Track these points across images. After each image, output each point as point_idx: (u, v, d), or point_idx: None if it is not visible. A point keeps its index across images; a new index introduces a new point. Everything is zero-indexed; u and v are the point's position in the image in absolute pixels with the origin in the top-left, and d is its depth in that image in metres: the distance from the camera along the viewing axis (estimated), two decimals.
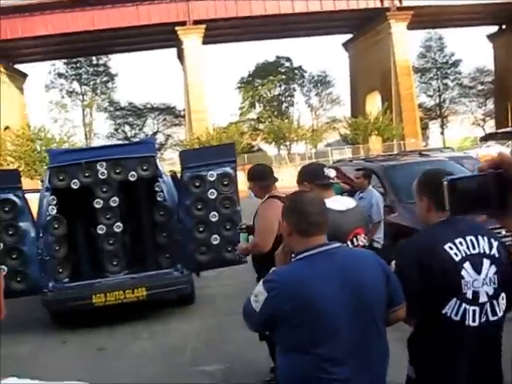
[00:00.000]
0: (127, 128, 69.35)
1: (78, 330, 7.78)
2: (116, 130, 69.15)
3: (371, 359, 2.32)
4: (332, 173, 3.91)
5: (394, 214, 8.71)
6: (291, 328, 2.26)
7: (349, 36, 59.42)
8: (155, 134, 63.85)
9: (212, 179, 7.51)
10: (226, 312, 7.84)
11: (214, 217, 7.51)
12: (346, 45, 60.47)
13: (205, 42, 50.86)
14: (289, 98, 69.47)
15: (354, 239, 3.56)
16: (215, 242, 7.51)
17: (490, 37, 59.99)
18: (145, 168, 7.89)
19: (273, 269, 2.60)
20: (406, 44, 50.63)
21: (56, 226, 7.75)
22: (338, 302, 2.25)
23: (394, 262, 2.75)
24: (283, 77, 67.41)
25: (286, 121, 57.02)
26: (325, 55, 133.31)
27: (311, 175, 3.82)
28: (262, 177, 5.12)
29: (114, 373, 6.00)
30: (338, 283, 2.27)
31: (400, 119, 48.58)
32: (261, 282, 2.34)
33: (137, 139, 59.15)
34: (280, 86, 68.19)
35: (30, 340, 7.42)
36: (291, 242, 2.46)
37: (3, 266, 7.19)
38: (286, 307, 2.23)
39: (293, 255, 2.53)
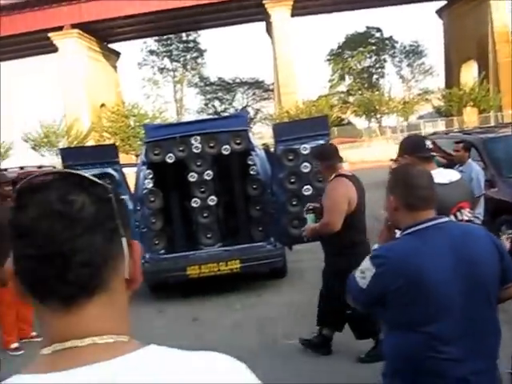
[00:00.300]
0: (217, 103, 70.29)
1: (173, 300, 7.98)
2: (206, 105, 70.24)
3: (484, 339, 2.20)
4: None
5: (494, 188, 8.33)
6: (400, 305, 2.17)
7: (443, 3, 56.99)
8: (244, 108, 64.25)
9: (305, 152, 7.43)
10: (317, 286, 7.73)
11: (307, 190, 7.45)
12: (439, 12, 58.07)
13: (293, 15, 50.35)
14: (379, 70, 67.79)
15: (458, 213, 3.42)
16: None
17: None
18: (238, 142, 7.94)
19: (375, 245, 2.52)
20: (506, 9, 47.95)
21: (152, 199, 7.95)
22: (451, 279, 2.14)
23: (504, 237, 2.61)
24: (373, 48, 65.77)
25: (377, 93, 55.62)
26: (417, 24, 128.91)
27: (412, 148, 3.69)
28: (326, 157, 5.11)
29: (208, 343, 6.10)
30: (450, 258, 2.16)
31: (498, 89, 46.22)
32: (368, 257, 2.26)
33: (227, 114, 59.79)
34: (370, 57, 66.60)
35: (131, 308, 7.69)
36: (397, 216, 2.36)
37: None
38: (396, 284, 2.15)
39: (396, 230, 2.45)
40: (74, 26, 50.08)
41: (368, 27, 66.23)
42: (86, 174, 0.90)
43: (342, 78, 66.78)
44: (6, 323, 6.68)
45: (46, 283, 0.83)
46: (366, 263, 2.23)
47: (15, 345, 6.65)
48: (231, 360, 0.89)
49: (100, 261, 0.85)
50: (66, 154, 8.18)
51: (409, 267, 2.15)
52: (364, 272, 2.22)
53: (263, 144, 10.26)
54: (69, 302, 0.84)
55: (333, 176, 5.00)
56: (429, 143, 3.74)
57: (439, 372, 2.15)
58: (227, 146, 7.92)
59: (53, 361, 0.83)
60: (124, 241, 0.89)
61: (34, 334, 6.98)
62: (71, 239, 0.82)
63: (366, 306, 2.40)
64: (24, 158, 37.91)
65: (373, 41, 66.23)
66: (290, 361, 5.41)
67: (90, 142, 42.61)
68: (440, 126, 46.20)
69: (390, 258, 2.23)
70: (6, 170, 9.19)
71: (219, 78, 69.38)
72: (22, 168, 9.84)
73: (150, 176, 7.95)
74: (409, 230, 2.26)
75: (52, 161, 38.80)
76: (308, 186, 7.45)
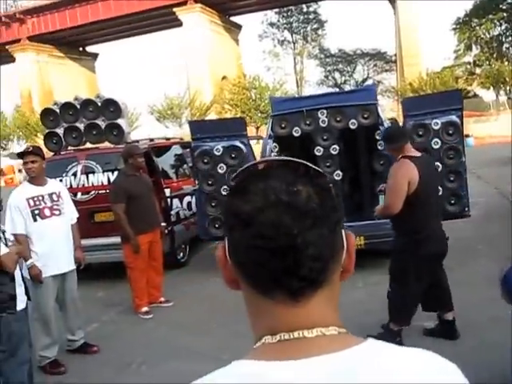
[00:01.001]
0: (337, 75, 69.73)
1: None
2: (326, 77, 69.85)
3: None
4: None
5: None
6: None
7: None
8: (365, 80, 63.09)
9: (436, 128, 7.16)
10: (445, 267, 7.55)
11: (437, 167, 7.19)
12: None
13: None
14: (510, 38, 63.81)
15: None
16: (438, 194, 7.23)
17: None
18: (365, 116, 7.77)
19: None
20: None
21: None
22: None
23: None
24: (505, 15, 61.77)
25: (507, 63, 52.59)
26: None
27: None
28: (392, 139, 5.05)
29: None
30: None
31: None
32: None
33: (347, 86, 59.04)
34: (501, 25, 62.64)
35: None
36: None
37: None
38: None
39: None
40: (197, 1, 51.23)
41: None
42: (309, 164, 0.87)
43: (468, 47, 63.49)
44: (138, 288, 7.00)
45: (275, 276, 0.82)
46: None
47: (145, 309, 6.98)
48: (448, 363, 0.87)
49: (328, 254, 0.83)
50: (195, 126, 8.36)
51: None
52: None
53: (391, 118, 9.97)
54: (297, 296, 0.83)
55: (399, 157, 4.93)
56: None
57: None
58: (354, 121, 7.77)
59: (281, 350, 0.82)
60: (343, 233, 0.88)
61: (162, 299, 7.30)
62: (303, 232, 0.80)
63: None
64: (150, 129, 39.62)
65: (504, 7, 62.20)
66: (411, 342, 5.28)
67: (212, 114, 43.75)
68: None
69: None
70: (137, 141, 9.54)
71: (340, 50, 68.71)
72: (151, 140, 10.19)
73: (276, 149, 7.99)
74: None
75: (175, 132, 40.28)
76: (437, 163, 7.15)
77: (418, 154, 5.02)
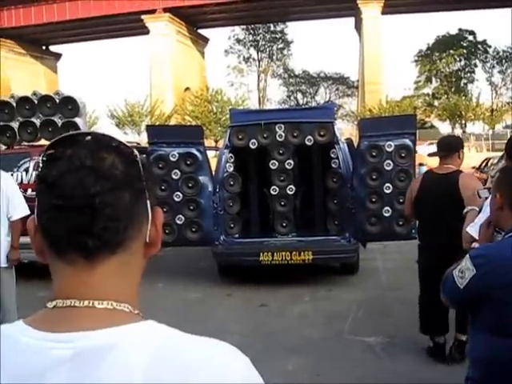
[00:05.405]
0: (299, 95, 70.32)
1: (242, 284, 8.06)
2: (288, 96, 70.36)
3: None
4: None
5: None
6: (495, 309, 2.07)
7: None
8: (326, 102, 63.93)
9: (389, 150, 7.31)
10: (388, 286, 7.70)
11: (387, 188, 7.34)
12: None
13: (384, 13, 49.57)
14: (469, 74, 65.54)
15: None
16: (386, 214, 7.36)
17: None
18: (322, 133, 7.87)
19: (475, 245, 2.41)
20: None
21: (232, 183, 8.03)
22: None
23: None
24: (465, 51, 63.59)
25: (464, 98, 54.10)
26: None
27: None
28: (438, 148, 5.29)
29: (274, 330, 6.16)
30: None
31: None
32: (467, 256, 2.15)
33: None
34: (460, 60, 64.49)
35: (199, 289, 7.85)
36: (501, 216, 2.24)
37: (181, 215, 7.64)
38: (495, 287, 2.04)
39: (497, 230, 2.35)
40: (166, 10, 51.15)
41: (461, 29, 64.20)
42: (115, 136, 0.91)
43: (428, 80, 65.12)
44: None
45: (72, 234, 0.84)
46: (466, 263, 2.11)
47: None
48: (234, 353, 0.86)
49: (126, 218, 0.87)
50: (153, 131, 8.32)
51: (511, 271, 2.04)
52: (463, 272, 2.10)
53: (347, 138, 10.12)
54: (91, 256, 0.85)
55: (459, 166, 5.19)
56: None
57: None
58: (310, 137, 7.86)
59: (52, 317, 0.85)
60: (148, 204, 0.91)
61: None
62: (101, 193, 0.84)
63: (461, 306, 2.28)
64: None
65: (464, 44, 64.07)
66: (352, 356, 5.36)
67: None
68: None
69: (492, 259, 2.11)
70: None
71: (304, 71, 69.40)
72: None
73: (232, 160, 8.03)
74: None
75: (134, 139, 39.93)
76: (389, 184, 7.33)
77: (439, 171, 5.11)
